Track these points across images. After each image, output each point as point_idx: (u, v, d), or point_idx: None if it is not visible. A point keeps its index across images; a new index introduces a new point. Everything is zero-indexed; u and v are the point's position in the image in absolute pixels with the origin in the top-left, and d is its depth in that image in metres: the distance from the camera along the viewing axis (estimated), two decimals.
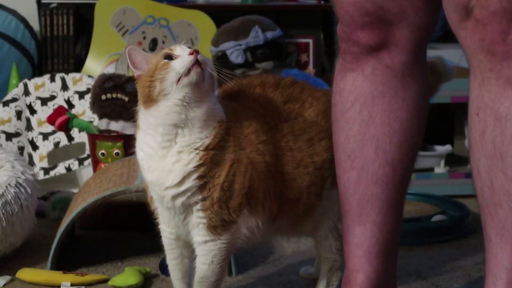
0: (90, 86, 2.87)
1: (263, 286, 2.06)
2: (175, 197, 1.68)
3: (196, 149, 1.66)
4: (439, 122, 3.05)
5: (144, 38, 3.57)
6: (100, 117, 2.65)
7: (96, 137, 2.50)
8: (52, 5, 3.67)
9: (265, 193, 1.72)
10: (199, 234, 1.71)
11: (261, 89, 1.80)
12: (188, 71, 1.63)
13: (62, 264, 2.14)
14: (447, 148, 3.02)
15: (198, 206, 1.69)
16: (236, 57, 3.41)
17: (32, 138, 2.95)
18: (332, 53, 3.70)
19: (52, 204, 2.56)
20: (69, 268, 2.12)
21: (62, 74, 2.98)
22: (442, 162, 2.95)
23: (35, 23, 3.61)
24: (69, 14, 3.63)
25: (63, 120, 2.51)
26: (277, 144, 1.74)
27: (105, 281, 2.08)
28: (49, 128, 2.89)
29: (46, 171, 2.84)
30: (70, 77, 2.97)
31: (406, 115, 1.61)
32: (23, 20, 3.50)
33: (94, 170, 2.51)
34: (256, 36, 3.43)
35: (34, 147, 2.94)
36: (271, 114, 1.76)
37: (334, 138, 1.67)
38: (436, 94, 1.88)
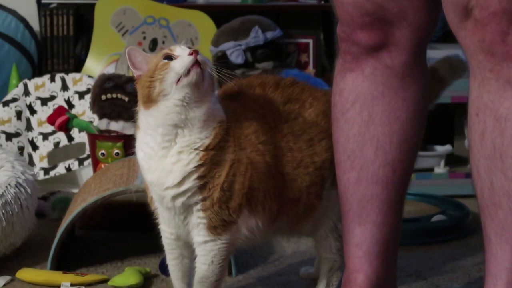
0: (90, 86, 2.87)
1: (263, 286, 2.06)
2: (175, 197, 1.68)
3: (196, 149, 1.66)
4: (439, 122, 3.05)
5: (144, 38, 3.57)
6: (100, 117, 2.65)
7: (96, 137, 2.50)
8: (52, 5, 3.67)
9: (265, 193, 1.72)
10: (199, 234, 1.71)
11: (261, 89, 1.80)
12: (187, 72, 1.63)
13: (62, 264, 2.14)
14: (447, 148, 3.02)
15: (198, 206, 1.69)
16: (236, 57, 3.41)
17: (32, 138, 2.95)
18: (332, 53, 3.70)
19: (52, 204, 2.56)
20: (69, 268, 2.12)
21: (62, 74, 2.98)
22: (442, 162, 2.95)
23: (35, 23, 3.61)
24: (69, 14, 3.63)
25: (63, 120, 2.51)
26: (277, 145, 1.74)
27: (105, 281, 2.08)
28: (49, 128, 2.89)
29: (46, 171, 2.84)
30: (70, 77, 2.97)
31: (406, 115, 1.61)
32: (23, 20, 3.50)
33: (94, 170, 2.51)
34: (256, 36, 3.43)
35: (34, 147, 2.94)
36: (271, 115, 1.76)
37: (334, 138, 1.67)
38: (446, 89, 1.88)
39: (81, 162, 2.81)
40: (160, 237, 1.80)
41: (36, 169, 2.84)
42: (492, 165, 1.43)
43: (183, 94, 1.63)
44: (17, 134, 2.94)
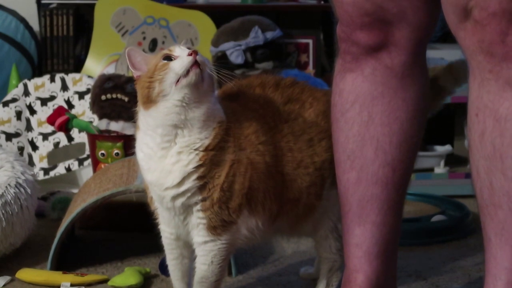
0: (90, 87, 2.87)
1: (263, 286, 2.06)
2: (175, 197, 1.68)
3: (195, 149, 1.66)
4: (439, 122, 3.05)
5: (144, 38, 3.57)
6: (100, 118, 2.65)
7: (96, 137, 2.50)
8: (52, 6, 3.67)
9: (265, 193, 1.72)
10: (199, 234, 1.71)
11: (261, 89, 1.80)
12: (187, 72, 1.63)
13: (62, 264, 2.14)
14: (447, 148, 3.02)
15: (198, 207, 1.69)
16: (236, 58, 3.41)
17: (32, 139, 2.95)
18: (332, 53, 3.70)
19: (52, 205, 2.56)
20: (69, 268, 2.12)
21: (62, 75, 2.98)
22: (442, 162, 2.95)
23: (35, 24, 3.61)
24: (69, 14, 3.63)
25: (63, 120, 2.51)
26: (277, 145, 1.74)
27: (105, 281, 2.08)
28: (49, 128, 2.89)
29: (46, 171, 2.84)
30: (70, 78, 2.97)
31: (406, 115, 1.61)
32: (23, 20, 3.50)
33: (94, 170, 2.51)
34: (256, 37, 3.43)
35: (34, 147, 2.94)
36: (271, 115, 1.76)
37: (333, 138, 1.67)
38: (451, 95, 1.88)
39: (81, 162, 2.81)
40: (160, 237, 1.80)
41: (36, 169, 2.84)
42: (492, 166, 1.43)
43: (183, 94, 1.63)
44: (17, 134, 2.94)
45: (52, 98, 2.96)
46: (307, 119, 1.79)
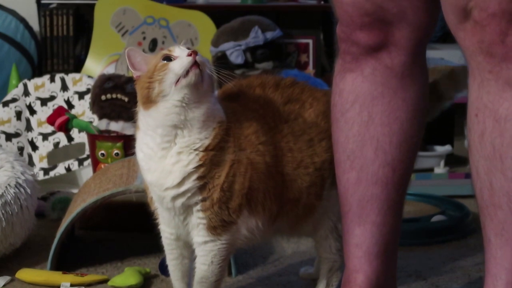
0: (90, 87, 2.87)
1: (262, 286, 2.06)
2: (175, 198, 1.68)
3: (195, 150, 1.66)
4: (439, 122, 3.05)
5: (144, 38, 3.57)
6: (100, 118, 2.65)
7: (96, 137, 2.50)
8: (52, 6, 3.67)
9: (265, 193, 1.72)
10: (199, 234, 1.71)
11: (261, 89, 1.80)
12: (186, 73, 1.63)
13: (62, 264, 2.14)
14: (447, 148, 3.02)
15: (198, 207, 1.69)
16: (236, 58, 3.41)
17: (32, 139, 2.95)
18: (332, 53, 3.70)
19: (52, 205, 2.56)
20: (69, 268, 2.12)
21: (62, 75, 2.98)
22: (442, 163, 2.95)
23: (35, 24, 3.62)
24: (69, 14, 3.64)
25: (63, 120, 2.51)
26: (277, 145, 1.74)
27: (105, 281, 2.08)
28: (49, 128, 2.89)
29: (46, 171, 2.84)
30: (70, 78, 2.97)
31: (406, 115, 1.61)
32: (23, 20, 3.50)
33: (94, 170, 2.51)
34: (256, 37, 3.43)
35: (34, 147, 2.94)
36: (271, 115, 1.76)
37: (333, 138, 1.67)
38: (451, 102, 1.87)
39: (80, 162, 2.81)
40: (160, 237, 1.80)
41: (36, 170, 2.84)
42: (492, 166, 1.43)
43: (182, 95, 1.63)
44: (16, 135, 2.94)
45: (52, 98, 2.96)
46: (307, 119, 1.79)
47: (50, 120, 2.53)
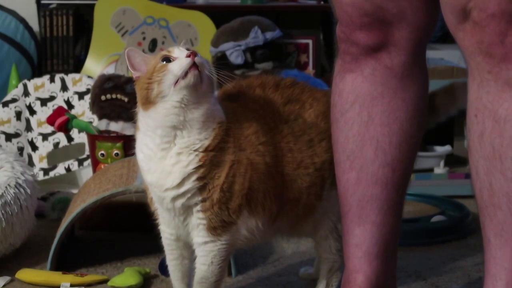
0: (89, 87, 2.87)
1: (262, 286, 2.06)
2: (175, 198, 1.68)
3: (195, 150, 1.66)
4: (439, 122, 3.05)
5: (144, 38, 3.57)
6: (100, 118, 2.65)
7: (96, 137, 2.50)
8: (51, 6, 3.67)
9: (265, 194, 1.72)
10: (199, 235, 1.71)
11: (261, 90, 1.80)
12: (185, 74, 1.63)
13: (62, 264, 2.14)
14: (446, 148, 3.02)
15: (198, 207, 1.69)
16: (235, 58, 3.41)
17: (32, 139, 2.95)
18: (331, 53, 3.70)
19: (52, 205, 2.56)
20: (69, 268, 2.12)
21: (62, 75, 2.98)
22: (442, 163, 2.94)
23: (34, 24, 3.62)
24: (69, 14, 3.64)
25: (62, 120, 2.51)
26: (277, 145, 1.74)
27: (105, 281, 2.08)
28: (48, 128, 2.89)
29: (46, 171, 2.84)
30: (69, 78, 2.97)
31: (406, 115, 1.61)
32: (22, 20, 3.50)
33: (94, 170, 2.51)
34: (255, 37, 3.43)
35: (34, 147, 2.94)
36: (271, 115, 1.76)
37: (333, 138, 1.67)
38: (447, 116, 1.87)
39: (80, 162, 2.81)
40: (160, 237, 1.80)
41: (36, 170, 2.84)
42: (491, 166, 1.43)
43: (181, 96, 1.63)
44: (16, 135, 2.94)
45: (52, 98, 2.96)
46: (307, 120, 1.79)
47: (50, 120, 2.53)
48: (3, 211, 2.12)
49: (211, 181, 1.67)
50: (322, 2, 3.77)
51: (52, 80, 2.97)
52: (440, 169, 2.92)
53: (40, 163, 2.91)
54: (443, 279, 2.09)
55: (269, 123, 1.75)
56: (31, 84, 2.97)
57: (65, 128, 2.53)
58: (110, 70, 3.41)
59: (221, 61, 3.37)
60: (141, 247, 2.28)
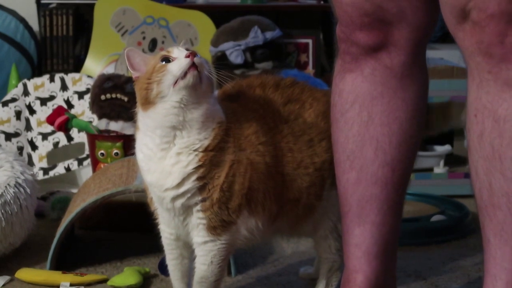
0: (89, 86, 2.87)
1: (262, 286, 2.06)
2: (174, 198, 1.68)
3: (195, 150, 1.66)
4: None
5: (144, 38, 3.57)
6: (100, 117, 2.65)
7: (96, 137, 2.50)
8: (51, 5, 3.67)
9: (265, 194, 1.72)
10: (198, 234, 1.71)
11: (261, 90, 1.80)
12: (184, 74, 1.63)
13: (62, 264, 2.14)
14: (446, 148, 3.02)
15: (198, 207, 1.69)
16: (235, 58, 3.41)
17: (32, 138, 2.95)
18: (331, 53, 3.70)
19: (52, 204, 2.55)
20: (69, 268, 2.12)
21: (62, 74, 2.98)
22: (442, 162, 2.94)
23: (34, 24, 3.61)
24: (69, 14, 3.64)
25: (62, 120, 2.51)
26: (277, 145, 1.74)
27: (104, 281, 2.08)
28: (48, 128, 2.89)
29: (46, 171, 2.84)
30: (69, 77, 2.97)
31: (406, 115, 1.61)
32: (22, 20, 3.50)
33: (94, 170, 2.51)
34: (255, 37, 3.43)
35: (34, 147, 2.94)
36: (271, 115, 1.76)
37: (333, 138, 1.67)
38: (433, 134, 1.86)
39: (80, 162, 2.81)
40: (160, 237, 1.80)
41: (36, 169, 2.84)
42: (491, 166, 1.43)
43: (181, 96, 1.63)
44: (16, 134, 2.94)
45: (52, 98, 2.96)
46: (307, 120, 1.79)
47: (50, 119, 2.53)
48: (2, 211, 2.12)
49: (211, 181, 1.67)
50: (322, 2, 3.77)
51: (52, 79, 2.97)
52: (439, 169, 2.92)
53: (40, 163, 2.91)
54: (443, 279, 2.09)
55: (269, 123, 1.75)
56: (31, 83, 2.97)
57: (65, 127, 2.53)
58: (110, 70, 3.41)
59: (221, 60, 3.36)
60: (141, 247, 2.28)
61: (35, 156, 2.92)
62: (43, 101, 2.96)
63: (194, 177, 1.66)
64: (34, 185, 2.27)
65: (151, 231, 1.82)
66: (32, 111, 2.96)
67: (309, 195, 1.77)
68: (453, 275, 2.12)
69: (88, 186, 2.18)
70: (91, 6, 3.60)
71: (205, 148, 1.67)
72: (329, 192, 1.79)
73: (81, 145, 2.89)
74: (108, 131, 2.58)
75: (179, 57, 1.64)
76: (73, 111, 2.88)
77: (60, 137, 2.91)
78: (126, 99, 2.60)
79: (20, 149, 2.93)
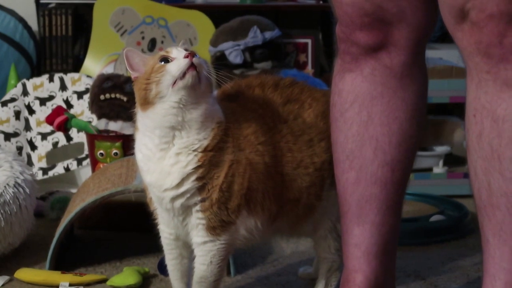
0: (88, 86, 2.87)
1: (261, 286, 2.06)
2: (174, 198, 1.68)
3: (194, 150, 1.66)
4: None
5: (143, 38, 3.57)
6: (99, 117, 2.65)
7: (95, 137, 2.50)
8: (50, 5, 3.67)
9: (264, 194, 1.72)
10: (198, 235, 1.71)
11: (260, 89, 1.80)
12: (183, 75, 1.63)
13: (61, 264, 2.14)
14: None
15: (197, 207, 1.69)
16: (234, 57, 3.41)
17: (31, 138, 2.95)
18: (330, 53, 3.70)
19: (51, 204, 2.55)
20: (68, 268, 2.12)
21: (61, 74, 2.98)
22: (441, 162, 2.94)
23: (33, 23, 3.61)
24: (68, 14, 3.63)
25: (61, 120, 2.51)
26: (277, 145, 1.74)
27: (104, 281, 2.08)
28: (47, 128, 2.89)
29: (45, 171, 2.84)
30: (68, 77, 2.97)
31: (405, 115, 1.61)
32: (21, 20, 3.50)
33: (93, 170, 2.51)
34: (254, 36, 3.43)
35: (33, 147, 2.94)
36: (271, 115, 1.76)
37: (333, 138, 1.67)
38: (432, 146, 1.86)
39: (79, 162, 2.81)
40: (159, 237, 1.80)
41: (35, 169, 2.84)
42: (490, 166, 1.43)
43: (179, 96, 1.63)
44: (15, 134, 2.94)
45: (51, 98, 2.96)
46: (307, 120, 1.79)
47: (49, 119, 2.53)
48: (2, 211, 2.12)
49: (210, 181, 1.67)
50: (321, 2, 3.77)
51: (51, 79, 2.97)
52: (439, 169, 2.92)
53: (39, 163, 2.91)
54: (442, 279, 2.09)
55: (268, 123, 1.75)
56: (30, 83, 2.97)
57: (64, 127, 2.53)
58: (109, 70, 3.41)
59: (220, 60, 3.36)
60: (140, 247, 2.28)
61: (34, 156, 2.92)
62: (42, 101, 2.96)
63: (193, 177, 1.66)
64: (33, 185, 2.27)
65: (151, 231, 1.82)
66: (31, 111, 2.96)
67: (309, 195, 1.77)
68: (452, 275, 2.12)
69: (88, 186, 2.18)
70: (90, 6, 3.60)
71: (204, 148, 1.67)
72: (329, 192, 1.79)
73: (80, 145, 2.89)
74: (107, 131, 2.58)
75: (178, 58, 1.64)
76: (72, 111, 2.88)
77: (60, 137, 2.91)
78: (125, 99, 2.59)
79: (19, 149, 2.93)
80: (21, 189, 2.19)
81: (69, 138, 2.91)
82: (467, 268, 2.17)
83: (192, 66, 1.63)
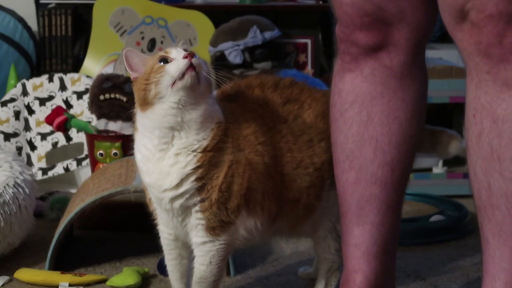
0: (88, 86, 2.87)
1: (261, 286, 2.06)
2: (173, 199, 1.68)
3: (193, 151, 1.66)
4: (438, 122, 3.05)
5: (143, 38, 3.57)
6: (98, 117, 2.65)
7: (95, 137, 2.50)
8: (50, 5, 3.67)
9: (264, 194, 1.72)
10: (197, 235, 1.71)
11: (260, 90, 1.80)
12: (182, 75, 1.63)
13: (60, 264, 2.14)
14: None
15: (197, 208, 1.69)
16: (234, 57, 3.41)
17: (31, 138, 2.95)
18: (330, 53, 3.70)
19: (51, 205, 2.55)
20: (67, 268, 2.12)
21: (61, 74, 2.98)
22: (441, 162, 2.94)
23: (33, 23, 3.61)
24: (68, 14, 3.63)
25: (61, 120, 2.51)
26: (276, 145, 1.74)
27: (103, 281, 2.08)
28: (47, 128, 2.89)
29: (45, 171, 2.84)
30: (68, 77, 2.97)
31: (405, 115, 1.61)
32: (21, 20, 3.50)
33: (93, 170, 2.51)
34: (254, 36, 3.43)
35: (32, 147, 2.94)
36: (270, 115, 1.76)
37: (332, 138, 1.67)
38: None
39: (79, 162, 2.81)
40: (159, 237, 1.80)
41: (35, 169, 2.84)
42: (490, 167, 1.43)
43: (179, 97, 1.63)
44: (15, 134, 2.94)
45: (51, 98, 2.96)
46: (306, 120, 1.79)
47: (49, 120, 2.53)
48: (1, 211, 2.12)
49: (210, 181, 1.67)
50: (321, 2, 3.77)
51: (50, 79, 2.97)
52: (438, 169, 2.92)
53: (39, 163, 2.91)
54: (442, 279, 2.09)
55: (268, 123, 1.75)
56: (29, 83, 2.97)
57: (64, 127, 2.53)
58: (109, 70, 3.41)
59: (219, 60, 3.36)
60: (140, 247, 2.28)
61: (34, 156, 2.92)
62: (42, 101, 2.96)
63: (192, 178, 1.66)
64: (33, 185, 2.27)
65: (150, 231, 1.82)
66: (31, 111, 2.96)
67: (309, 195, 1.77)
68: (452, 275, 2.12)
69: (87, 186, 2.18)
70: (90, 6, 3.60)
71: (204, 149, 1.66)
72: (328, 193, 1.79)
73: (80, 145, 2.89)
74: (107, 131, 2.58)
75: (177, 58, 1.64)
76: (72, 111, 2.88)
77: (59, 137, 2.91)
78: (125, 99, 2.59)
79: (19, 149, 2.93)
80: (20, 189, 2.19)
81: (68, 138, 2.91)
82: (467, 268, 2.17)
83: (191, 66, 1.63)
